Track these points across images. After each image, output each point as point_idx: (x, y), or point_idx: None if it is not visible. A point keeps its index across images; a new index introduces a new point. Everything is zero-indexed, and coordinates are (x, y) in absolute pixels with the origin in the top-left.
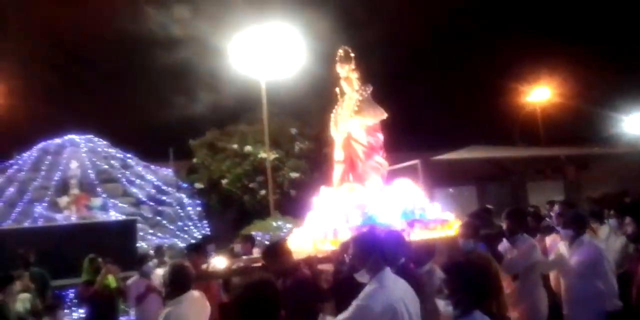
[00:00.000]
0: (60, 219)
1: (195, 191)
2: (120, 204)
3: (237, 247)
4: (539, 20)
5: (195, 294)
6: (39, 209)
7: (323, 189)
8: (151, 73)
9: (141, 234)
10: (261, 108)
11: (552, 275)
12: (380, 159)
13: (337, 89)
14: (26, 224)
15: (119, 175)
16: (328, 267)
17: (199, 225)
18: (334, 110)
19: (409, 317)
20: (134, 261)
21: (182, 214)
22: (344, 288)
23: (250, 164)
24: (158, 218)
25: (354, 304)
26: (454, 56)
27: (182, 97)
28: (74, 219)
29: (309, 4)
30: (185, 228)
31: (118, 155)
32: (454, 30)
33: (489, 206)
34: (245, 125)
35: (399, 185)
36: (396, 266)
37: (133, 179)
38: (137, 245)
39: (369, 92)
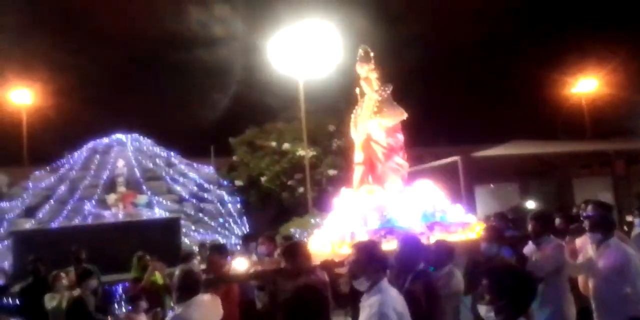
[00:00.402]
0: (109, 215)
1: (235, 188)
2: (164, 202)
3: (262, 248)
4: (584, 6)
5: (205, 297)
6: (88, 206)
7: (343, 190)
8: (192, 72)
9: (184, 230)
10: (299, 106)
11: (581, 279)
12: (400, 160)
13: (357, 90)
14: (76, 221)
15: (163, 174)
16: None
17: (238, 222)
18: (354, 111)
19: None
20: (179, 258)
21: (222, 211)
22: (360, 292)
23: (289, 161)
24: (200, 215)
25: (372, 314)
26: (495, 47)
27: (222, 95)
28: (121, 215)
29: (348, 1)
30: (226, 225)
31: (162, 153)
32: (495, 21)
33: (530, 202)
34: (283, 123)
35: (420, 187)
36: (414, 271)
37: (176, 177)
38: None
39: (388, 92)
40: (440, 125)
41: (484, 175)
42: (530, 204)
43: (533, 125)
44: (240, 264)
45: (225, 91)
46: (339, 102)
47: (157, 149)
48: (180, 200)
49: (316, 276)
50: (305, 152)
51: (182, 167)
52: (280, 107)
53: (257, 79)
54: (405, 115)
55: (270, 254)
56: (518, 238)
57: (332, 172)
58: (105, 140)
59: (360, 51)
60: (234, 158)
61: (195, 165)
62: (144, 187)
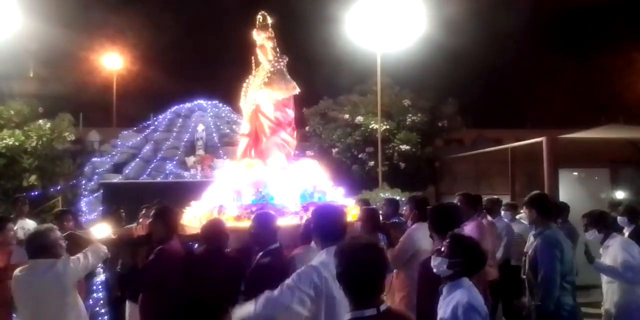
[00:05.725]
0: (187, 176)
1: (306, 158)
2: None
3: None
4: None
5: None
6: (170, 166)
7: (228, 162)
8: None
9: None
10: (374, 79)
11: None
12: (286, 136)
13: (253, 58)
14: (159, 179)
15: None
16: None
17: None
18: (247, 80)
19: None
20: None
21: None
22: None
23: (361, 134)
24: None
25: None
26: (595, 25)
27: (299, 65)
28: (199, 177)
29: None
30: None
31: (239, 120)
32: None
33: (620, 192)
34: (357, 96)
35: (303, 166)
36: (266, 248)
37: None
38: None
39: (282, 63)
40: (527, 106)
41: (572, 161)
42: (620, 194)
43: (633, 111)
44: (101, 230)
45: (303, 62)
46: (417, 76)
47: (234, 116)
48: None
49: (171, 245)
50: (378, 126)
51: None
52: (356, 79)
53: (334, 50)
54: (297, 90)
55: None
56: (391, 225)
57: (404, 147)
58: (188, 105)
59: (259, 17)
60: (307, 128)
61: None
62: (221, 152)
